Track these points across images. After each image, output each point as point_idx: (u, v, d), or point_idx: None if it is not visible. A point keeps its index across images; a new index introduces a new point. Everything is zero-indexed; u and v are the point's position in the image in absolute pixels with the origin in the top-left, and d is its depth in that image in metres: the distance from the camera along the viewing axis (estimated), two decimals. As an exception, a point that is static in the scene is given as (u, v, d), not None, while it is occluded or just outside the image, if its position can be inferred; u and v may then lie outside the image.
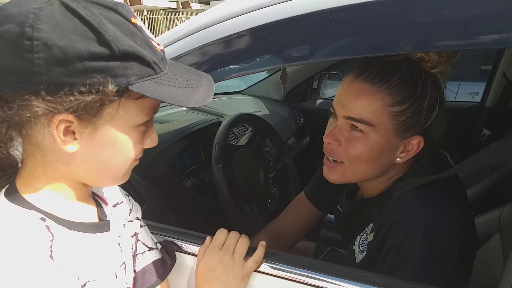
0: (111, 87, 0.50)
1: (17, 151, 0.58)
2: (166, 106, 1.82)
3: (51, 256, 0.51)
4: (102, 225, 0.64)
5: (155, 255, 0.79)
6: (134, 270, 0.75)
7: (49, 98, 0.48)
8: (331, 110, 0.88)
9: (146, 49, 0.53)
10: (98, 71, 0.49)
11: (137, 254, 0.77)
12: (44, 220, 0.54)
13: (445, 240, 0.75)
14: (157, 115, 1.87)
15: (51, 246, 0.52)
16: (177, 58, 0.81)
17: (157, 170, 1.27)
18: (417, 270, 0.73)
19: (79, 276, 0.54)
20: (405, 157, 0.84)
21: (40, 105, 0.48)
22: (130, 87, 0.51)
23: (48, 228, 0.54)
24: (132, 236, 0.77)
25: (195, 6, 19.39)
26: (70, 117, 0.50)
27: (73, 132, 0.53)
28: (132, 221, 0.78)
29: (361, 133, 0.81)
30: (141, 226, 0.80)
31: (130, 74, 0.51)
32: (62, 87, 0.48)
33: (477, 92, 2.27)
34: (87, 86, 0.49)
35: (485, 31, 0.56)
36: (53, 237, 0.53)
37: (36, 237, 0.52)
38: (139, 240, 0.78)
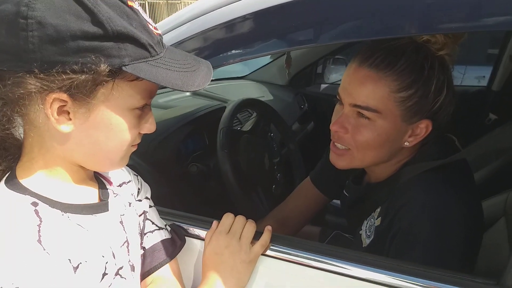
0: (104, 67, 0.50)
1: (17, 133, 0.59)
2: (169, 92, 1.81)
3: (39, 241, 0.52)
4: (100, 205, 0.65)
5: (164, 235, 0.80)
6: (144, 248, 0.77)
7: (42, 76, 0.49)
8: (337, 97, 0.87)
9: (142, 32, 0.53)
10: (91, 51, 0.50)
11: (146, 233, 0.78)
12: (35, 204, 0.55)
13: (453, 224, 0.75)
14: (161, 100, 1.86)
15: (39, 231, 0.52)
16: (180, 43, 0.80)
17: (162, 156, 1.27)
18: (424, 254, 0.74)
19: (71, 258, 0.54)
20: (413, 141, 0.83)
21: (34, 82, 0.49)
22: (124, 68, 0.52)
23: (37, 212, 0.54)
24: (140, 215, 0.78)
25: (197, -10, 19.13)
26: (63, 96, 0.51)
27: (68, 113, 0.53)
28: (141, 200, 0.79)
29: (368, 120, 0.80)
30: (150, 206, 0.81)
31: (124, 55, 0.52)
32: (55, 65, 0.49)
33: (484, 76, 2.25)
34: (79, 65, 0.50)
35: (493, 13, 0.55)
36: (41, 222, 0.53)
37: (23, 222, 0.53)
38: (148, 219, 0.79)
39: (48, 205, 0.56)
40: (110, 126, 0.57)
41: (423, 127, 0.82)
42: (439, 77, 0.79)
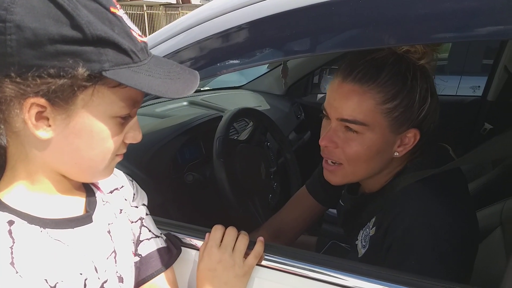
0: (82, 71, 0.49)
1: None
2: (166, 101, 1.81)
3: (12, 263, 0.50)
4: (82, 218, 0.62)
5: (160, 243, 0.79)
6: (140, 255, 0.76)
7: (18, 80, 0.48)
8: (323, 112, 0.87)
9: (124, 38, 0.52)
10: (70, 55, 0.49)
11: (143, 240, 0.77)
12: (11, 223, 0.53)
13: (447, 234, 0.75)
14: (157, 110, 1.85)
15: (11, 253, 0.50)
16: (176, 53, 0.80)
17: (158, 165, 1.27)
18: (418, 264, 0.73)
19: (47, 278, 0.53)
20: (403, 150, 0.84)
21: (11, 86, 0.48)
22: (103, 73, 0.51)
23: (10, 233, 0.52)
24: (136, 221, 0.77)
25: (195, 1, 19.30)
26: (41, 101, 0.50)
27: (47, 118, 0.52)
28: (137, 207, 0.78)
29: (357, 134, 0.81)
30: (147, 214, 0.80)
31: (105, 60, 0.50)
32: (32, 69, 0.48)
33: (479, 86, 2.26)
34: (56, 69, 0.48)
35: (487, 23, 0.55)
36: (13, 243, 0.51)
37: None
38: (145, 226, 0.78)
39: (26, 222, 0.54)
40: (91, 134, 0.55)
41: (411, 136, 0.82)
42: (422, 86, 0.80)
